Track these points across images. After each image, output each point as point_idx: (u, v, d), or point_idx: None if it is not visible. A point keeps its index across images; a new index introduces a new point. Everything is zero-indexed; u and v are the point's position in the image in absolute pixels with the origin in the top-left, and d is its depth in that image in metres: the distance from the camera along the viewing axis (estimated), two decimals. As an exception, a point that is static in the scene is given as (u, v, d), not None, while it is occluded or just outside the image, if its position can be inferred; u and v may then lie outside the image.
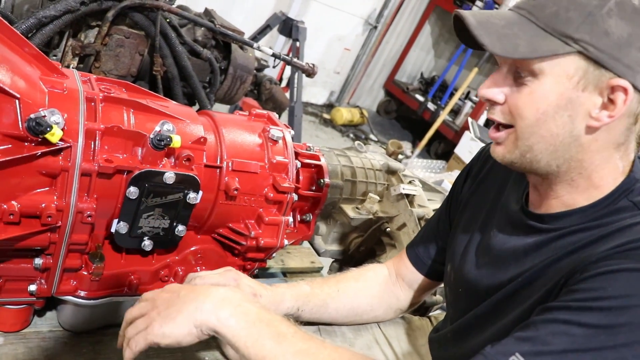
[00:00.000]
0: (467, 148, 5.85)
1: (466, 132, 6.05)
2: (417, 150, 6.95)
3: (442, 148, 7.32)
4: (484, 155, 1.36)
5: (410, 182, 2.02)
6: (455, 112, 7.42)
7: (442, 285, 1.44)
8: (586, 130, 0.96)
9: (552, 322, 0.89)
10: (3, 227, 1.03)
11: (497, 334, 1.05)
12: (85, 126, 1.07)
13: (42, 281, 1.19)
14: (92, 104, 1.12)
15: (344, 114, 7.22)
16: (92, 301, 1.24)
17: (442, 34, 8.46)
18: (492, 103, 1.03)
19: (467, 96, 7.72)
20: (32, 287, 1.18)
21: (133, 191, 1.14)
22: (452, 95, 7.36)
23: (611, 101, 0.93)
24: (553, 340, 0.87)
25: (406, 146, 7.00)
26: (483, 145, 1.49)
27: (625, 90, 0.91)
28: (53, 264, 1.16)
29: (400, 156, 6.52)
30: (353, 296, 1.41)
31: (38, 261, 1.15)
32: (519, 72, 0.98)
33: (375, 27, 7.41)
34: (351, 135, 7.11)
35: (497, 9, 6.78)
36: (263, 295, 1.25)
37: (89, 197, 1.11)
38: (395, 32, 7.84)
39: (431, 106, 7.62)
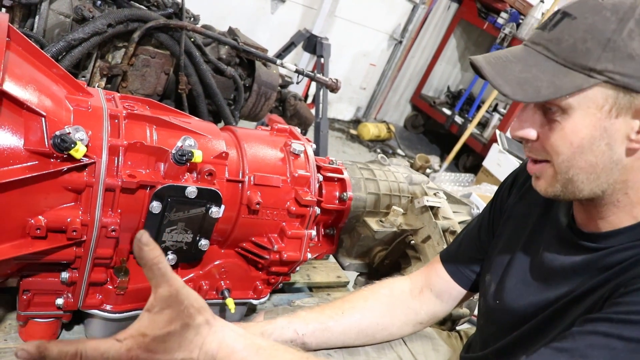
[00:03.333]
0: (496, 161, 5.78)
1: (494, 145, 5.98)
2: (445, 164, 6.90)
3: (470, 161, 7.26)
4: None
5: (434, 194, 2.00)
6: (482, 125, 7.36)
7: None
8: (627, 152, 0.92)
9: (592, 334, 0.87)
10: (30, 241, 1.07)
11: None
12: (109, 142, 1.10)
13: (69, 295, 1.21)
14: (116, 121, 1.15)
15: (370, 130, 7.21)
16: (117, 314, 1.26)
17: (468, 47, 8.42)
18: (526, 141, 1.01)
19: (494, 109, 7.64)
20: (59, 301, 1.21)
21: (156, 206, 1.16)
22: (479, 108, 7.28)
23: None
24: (592, 353, 0.85)
25: (434, 160, 6.95)
26: (512, 157, 1.45)
27: None
28: (79, 278, 1.18)
29: (428, 170, 6.49)
30: (360, 317, 1.34)
31: (64, 275, 1.17)
32: (549, 107, 0.95)
33: (400, 42, 7.41)
34: (378, 150, 7.09)
35: (521, 21, 6.72)
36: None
37: (113, 212, 1.14)
38: (421, 46, 7.84)
39: (458, 119, 7.57)
